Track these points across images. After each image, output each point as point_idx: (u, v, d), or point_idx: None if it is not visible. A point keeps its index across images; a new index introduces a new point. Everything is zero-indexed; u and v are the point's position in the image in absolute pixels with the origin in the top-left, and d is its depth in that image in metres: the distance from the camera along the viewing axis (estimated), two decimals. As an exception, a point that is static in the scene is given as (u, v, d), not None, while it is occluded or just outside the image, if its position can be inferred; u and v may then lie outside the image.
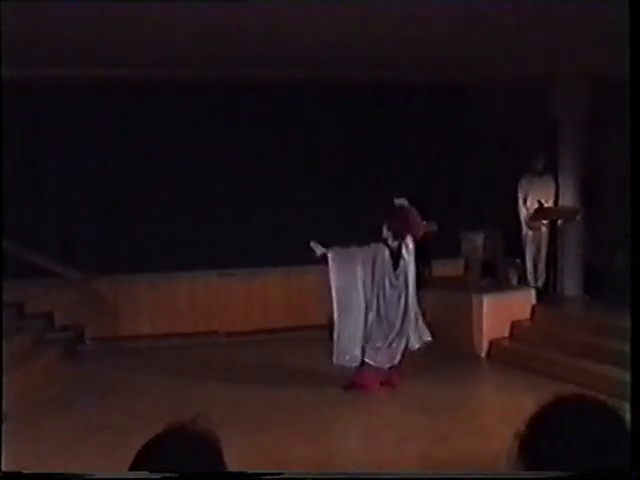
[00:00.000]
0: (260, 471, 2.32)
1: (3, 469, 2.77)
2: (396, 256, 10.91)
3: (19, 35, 9.29)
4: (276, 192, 14.84)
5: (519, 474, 2.27)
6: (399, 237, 10.87)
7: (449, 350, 12.68)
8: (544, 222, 13.83)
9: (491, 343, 12.84)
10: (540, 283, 13.98)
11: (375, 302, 10.86)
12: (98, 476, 2.32)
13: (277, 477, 2.34)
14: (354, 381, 10.92)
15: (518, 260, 14.32)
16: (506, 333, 13.01)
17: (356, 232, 14.93)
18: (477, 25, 10.36)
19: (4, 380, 2.54)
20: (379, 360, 10.94)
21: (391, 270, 10.88)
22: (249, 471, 2.32)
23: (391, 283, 10.90)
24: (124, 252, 14.14)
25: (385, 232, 10.89)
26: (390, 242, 10.90)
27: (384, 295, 10.89)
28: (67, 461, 8.08)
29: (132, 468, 2.34)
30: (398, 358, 11.05)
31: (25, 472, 2.54)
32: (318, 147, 15.01)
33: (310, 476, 2.45)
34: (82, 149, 14.33)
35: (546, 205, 13.58)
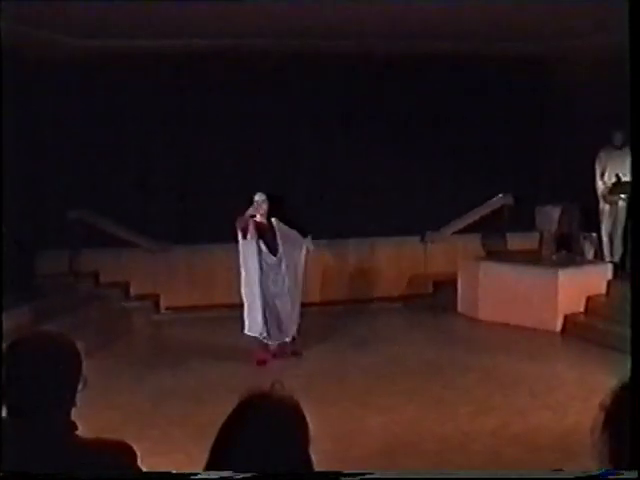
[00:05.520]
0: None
1: (80, 434, 2.78)
2: None
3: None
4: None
5: (520, 474, 2.28)
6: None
7: (524, 324, 12.62)
8: (622, 196, 13.60)
9: (566, 318, 12.71)
10: (617, 258, 13.76)
11: None
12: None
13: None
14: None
15: (594, 234, 14.11)
16: (581, 308, 12.87)
17: (438, 205, 15.00)
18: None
19: (78, 346, 2.57)
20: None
21: None
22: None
23: None
24: (200, 221, 14.22)
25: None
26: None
27: None
28: (142, 429, 8.22)
29: (220, 436, 2.36)
30: None
31: (27, 472, 2.56)
32: (401, 120, 14.96)
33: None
34: (159, 125, 14.43)
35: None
